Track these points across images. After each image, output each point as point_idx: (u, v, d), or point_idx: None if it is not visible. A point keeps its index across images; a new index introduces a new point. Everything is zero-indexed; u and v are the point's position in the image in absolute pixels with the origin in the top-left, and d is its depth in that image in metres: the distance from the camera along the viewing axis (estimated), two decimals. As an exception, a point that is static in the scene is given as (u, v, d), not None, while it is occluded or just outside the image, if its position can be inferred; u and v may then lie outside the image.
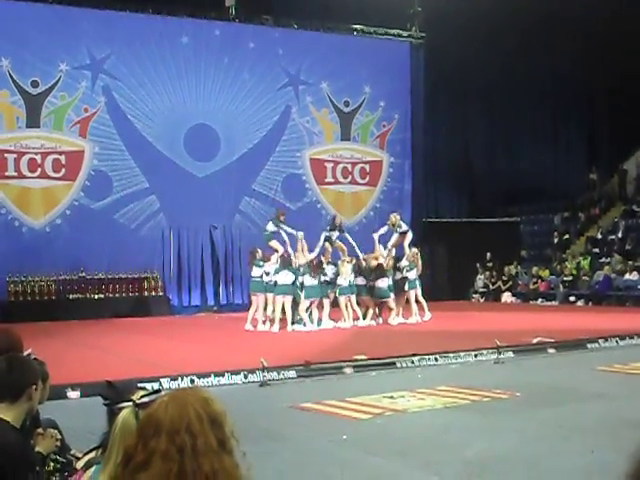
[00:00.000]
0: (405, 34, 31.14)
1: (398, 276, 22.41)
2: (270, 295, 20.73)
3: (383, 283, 21.92)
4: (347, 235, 22.58)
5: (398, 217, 23.28)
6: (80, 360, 14.97)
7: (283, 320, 20.76)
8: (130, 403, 2.52)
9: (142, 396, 2.46)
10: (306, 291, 20.86)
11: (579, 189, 35.55)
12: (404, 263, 22.54)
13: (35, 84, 25.71)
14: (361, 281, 21.93)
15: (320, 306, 21.38)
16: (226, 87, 28.10)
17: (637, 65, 31.97)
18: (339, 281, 21.42)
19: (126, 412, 2.54)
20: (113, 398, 3.24)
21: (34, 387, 4.20)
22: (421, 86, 31.06)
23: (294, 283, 20.63)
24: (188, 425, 2.32)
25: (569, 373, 14.29)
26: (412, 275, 22.54)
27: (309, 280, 20.89)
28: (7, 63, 25.34)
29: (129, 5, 26.58)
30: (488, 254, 31.35)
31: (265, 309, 21.12)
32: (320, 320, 21.24)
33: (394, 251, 22.80)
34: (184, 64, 27.52)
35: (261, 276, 20.87)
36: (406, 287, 22.43)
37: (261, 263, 20.91)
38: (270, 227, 21.60)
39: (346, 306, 21.54)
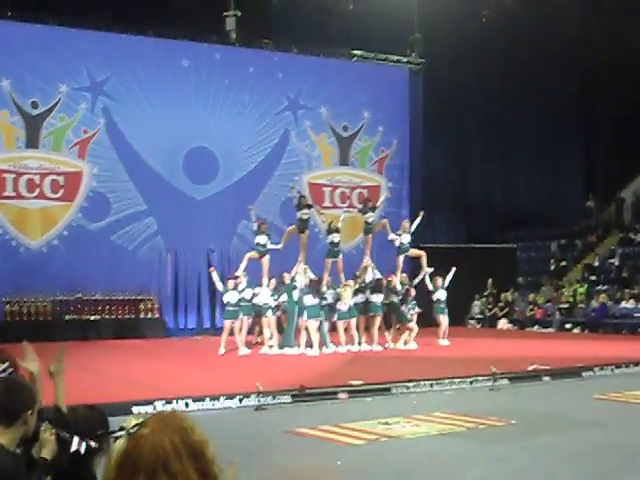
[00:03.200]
0: (404, 60, 31.26)
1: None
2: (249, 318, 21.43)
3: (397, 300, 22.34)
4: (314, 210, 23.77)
5: (407, 224, 23.66)
6: (75, 382, 14.88)
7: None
8: (123, 432, 2.51)
9: (134, 425, 2.45)
10: (308, 311, 20.85)
11: (576, 216, 35.60)
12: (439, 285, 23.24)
13: (35, 105, 25.79)
14: (376, 298, 22.12)
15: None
16: (225, 111, 28.20)
17: (635, 94, 32.11)
18: (339, 306, 21.42)
19: (121, 443, 2.52)
20: (59, 424, 3.23)
21: (30, 412, 4.19)
22: (420, 112, 31.17)
23: (237, 304, 20.80)
24: (165, 464, 2.25)
25: (564, 401, 14.27)
26: (443, 297, 23.30)
27: (309, 300, 20.89)
28: (7, 84, 25.44)
29: (130, 28, 26.69)
30: (490, 280, 31.33)
31: (261, 332, 21.59)
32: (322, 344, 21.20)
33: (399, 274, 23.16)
34: (184, 87, 27.63)
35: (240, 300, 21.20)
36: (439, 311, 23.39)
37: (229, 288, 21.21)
38: (262, 240, 21.78)
39: (345, 330, 21.53)
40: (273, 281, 21.51)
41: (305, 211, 22.29)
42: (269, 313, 21.12)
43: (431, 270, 23.47)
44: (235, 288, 20.84)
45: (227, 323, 20.85)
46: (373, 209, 23.67)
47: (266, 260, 21.60)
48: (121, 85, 26.88)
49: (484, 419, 11.98)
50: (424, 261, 23.56)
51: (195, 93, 27.85)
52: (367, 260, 23.00)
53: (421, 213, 24.06)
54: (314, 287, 21.04)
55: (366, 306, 22.08)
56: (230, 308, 20.77)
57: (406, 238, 23.32)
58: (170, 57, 27.43)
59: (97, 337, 24.38)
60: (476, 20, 29.38)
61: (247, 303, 21.11)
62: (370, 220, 23.34)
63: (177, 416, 2.42)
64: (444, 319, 23.53)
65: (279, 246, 22.26)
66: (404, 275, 23.64)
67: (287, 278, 21.78)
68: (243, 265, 21.67)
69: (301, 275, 21.63)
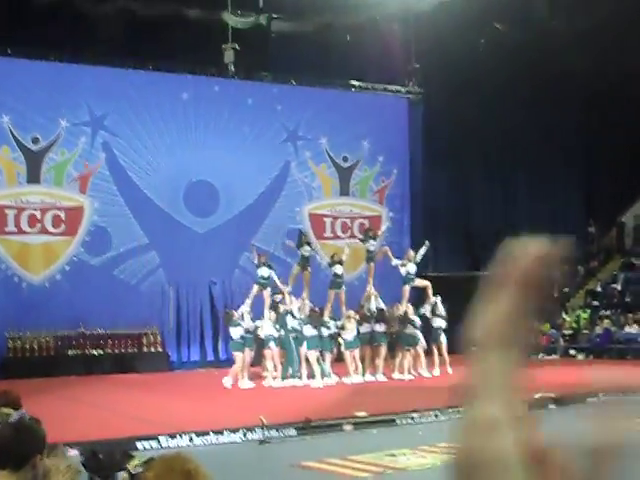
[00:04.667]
0: (403, 90, 31.37)
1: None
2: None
3: (410, 330, 22.17)
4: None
5: (413, 253, 23.62)
6: (79, 417, 14.86)
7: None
8: (125, 473, 2.49)
9: (136, 465, 2.43)
10: (308, 342, 20.80)
11: (577, 242, 35.43)
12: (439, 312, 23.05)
13: (35, 140, 25.85)
14: (379, 328, 22.06)
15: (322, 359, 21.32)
16: (225, 143, 28.22)
17: (636, 119, 32.17)
18: (345, 335, 21.36)
19: None
20: (96, 468, 3.19)
21: (39, 457, 4.11)
22: (419, 141, 31.23)
23: (242, 337, 20.92)
24: None
25: (569, 428, 14.16)
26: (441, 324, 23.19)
27: (309, 330, 20.86)
28: (8, 119, 25.51)
29: (129, 62, 26.78)
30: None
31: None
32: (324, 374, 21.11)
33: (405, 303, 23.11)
34: (184, 120, 27.70)
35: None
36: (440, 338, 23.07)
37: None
38: (265, 272, 21.75)
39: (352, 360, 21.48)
40: (274, 314, 21.51)
41: (306, 248, 22.34)
42: (272, 345, 21.07)
43: (437, 300, 23.45)
44: (239, 324, 20.94)
45: (235, 354, 20.90)
46: (374, 237, 23.70)
47: (268, 293, 21.59)
48: (121, 119, 26.94)
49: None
50: (429, 292, 23.55)
51: (195, 126, 27.92)
52: (370, 289, 22.98)
53: (426, 242, 24.03)
54: (314, 318, 21.03)
55: (371, 336, 22.04)
56: (237, 340, 20.86)
57: (412, 267, 23.28)
58: (169, 90, 27.49)
59: (100, 372, 24.27)
60: (474, 49, 29.50)
61: (249, 335, 21.12)
62: (372, 249, 23.37)
63: (181, 458, 2.41)
64: (440, 347, 23.30)
65: (287, 289, 22.09)
66: (409, 305, 23.47)
67: (281, 309, 21.75)
68: (252, 295, 21.75)
69: (299, 306, 21.59)
